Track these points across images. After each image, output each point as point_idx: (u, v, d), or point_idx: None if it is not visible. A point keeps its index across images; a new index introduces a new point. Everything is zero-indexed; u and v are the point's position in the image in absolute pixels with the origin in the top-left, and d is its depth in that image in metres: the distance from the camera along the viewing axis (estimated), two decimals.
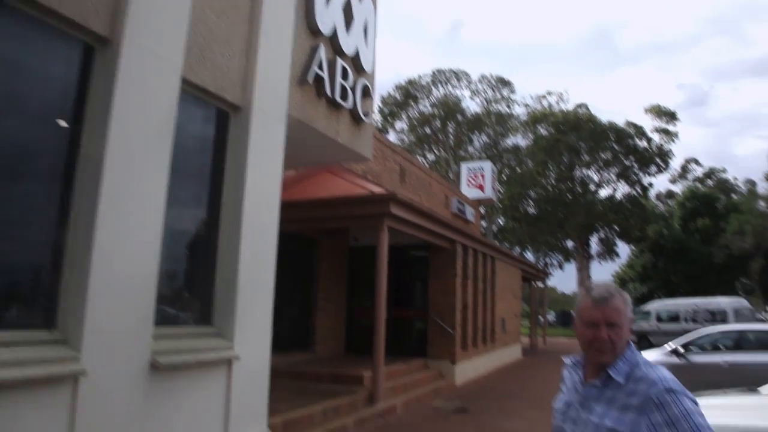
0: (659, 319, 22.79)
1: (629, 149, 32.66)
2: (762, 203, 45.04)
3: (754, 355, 10.00)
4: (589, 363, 1.92)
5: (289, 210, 8.62)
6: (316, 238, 11.05)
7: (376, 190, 8.59)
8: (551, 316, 38.46)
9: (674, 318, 22.19)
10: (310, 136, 7.02)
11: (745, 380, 8.61)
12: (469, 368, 12.19)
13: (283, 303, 10.55)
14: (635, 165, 33.72)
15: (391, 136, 38.13)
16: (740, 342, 10.62)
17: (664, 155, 33.90)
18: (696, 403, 1.70)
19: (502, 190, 31.83)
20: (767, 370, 9.29)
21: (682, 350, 10.70)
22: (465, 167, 22.02)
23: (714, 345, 10.97)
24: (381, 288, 8.18)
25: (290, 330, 10.69)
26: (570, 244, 35.00)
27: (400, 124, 39.57)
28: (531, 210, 33.86)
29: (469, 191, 20.93)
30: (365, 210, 8.11)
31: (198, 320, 5.14)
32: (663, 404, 1.67)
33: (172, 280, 5.15)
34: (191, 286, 5.33)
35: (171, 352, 4.42)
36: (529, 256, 34.98)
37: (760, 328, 11.90)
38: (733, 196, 49.07)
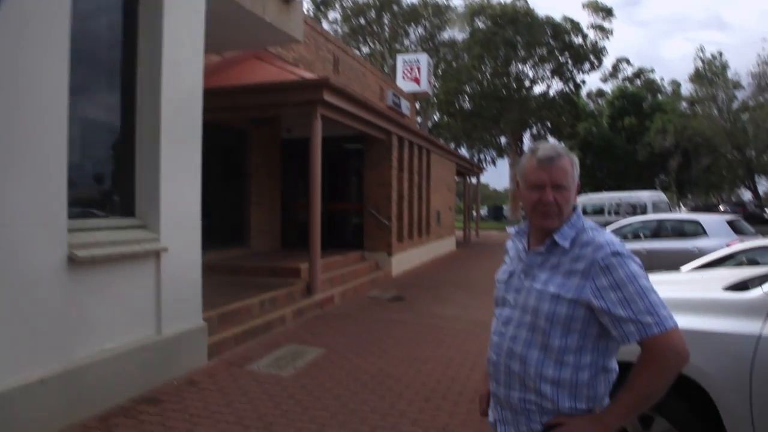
0: (585, 212, 23.84)
1: (565, 45, 32.54)
2: (684, 104, 46.88)
3: (670, 243, 10.64)
4: (534, 230, 1.80)
5: (215, 98, 8.03)
6: (246, 129, 10.50)
7: (308, 76, 8.09)
8: (484, 211, 39.70)
9: (599, 211, 23.32)
10: (234, 14, 6.41)
11: (662, 266, 9.17)
12: (405, 259, 12.40)
13: (215, 198, 10.17)
14: (570, 61, 33.79)
15: (324, 27, 36.26)
16: (658, 231, 11.26)
17: (598, 52, 34.10)
18: (641, 267, 1.62)
19: (437, 85, 31.34)
20: (680, 255, 9.93)
21: None
22: (400, 59, 21.32)
23: (635, 234, 11.60)
24: (315, 179, 7.93)
25: (224, 226, 10.38)
26: (504, 140, 35.46)
27: (333, 14, 37.63)
28: (466, 105, 33.73)
29: (404, 84, 20.42)
30: (297, 97, 7.64)
31: (120, 212, 4.78)
32: (609, 268, 1.57)
33: (86, 170, 4.71)
34: (109, 176, 4.92)
35: (90, 246, 4.10)
36: (464, 152, 35.29)
37: (676, 217, 12.66)
38: (659, 96, 50.71)
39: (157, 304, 4.77)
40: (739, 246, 6.85)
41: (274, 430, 3.81)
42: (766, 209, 35.69)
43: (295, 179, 11.65)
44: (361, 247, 11.49)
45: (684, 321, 3.15)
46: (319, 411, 4.16)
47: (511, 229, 1.94)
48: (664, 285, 4.14)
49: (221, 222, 10.31)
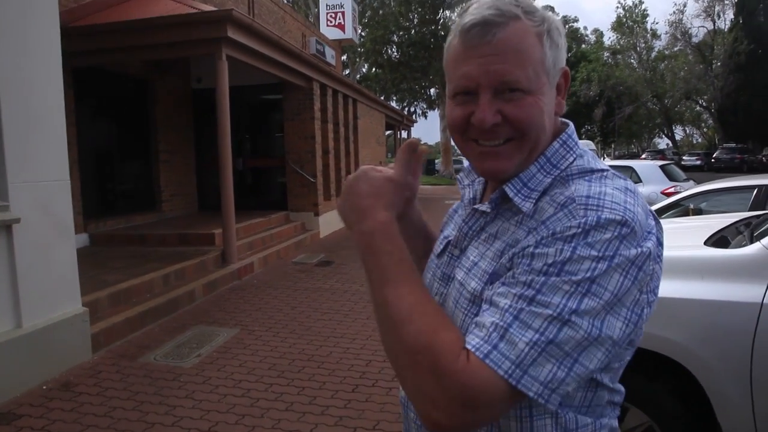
0: None
1: None
2: (607, 54, 47.65)
3: None
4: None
5: (97, 37, 6.80)
6: (148, 78, 9.23)
7: (208, 8, 6.95)
8: None
9: None
10: None
11: None
12: (334, 219, 11.50)
13: (115, 157, 8.95)
14: None
15: None
16: None
17: None
18: (640, 271, 0.76)
19: (364, 34, 30.01)
20: None
21: None
22: (324, 4, 19.93)
23: None
24: (224, 132, 6.93)
25: (128, 189, 9.21)
26: (433, 91, 34.76)
27: None
28: (394, 55, 32.64)
29: (328, 31, 19.15)
30: (196, 34, 6.51)
31: None
32: (565, 239, 0.75)
33: None
34: None
35: None
36: (394, 105, 34.38)
37: (609, 164, 12.47)
38: (583, 46, 51.29)
39: (12, 291, 3.79)
40: (684, 193, 6.47)
41: None
42: (683, 157, 37.11)
43: (209, 134, 10.49)
44: (286, 208, 10.58)
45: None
46: (223, 414, 3.38)
47: (464, 164, 1.09)
48: None
49: (124, 185, 9.14)
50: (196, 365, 4.18)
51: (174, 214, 9.85)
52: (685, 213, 6.05)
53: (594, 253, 0.73)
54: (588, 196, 0.78)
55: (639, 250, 0.76)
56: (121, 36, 6.75)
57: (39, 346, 3.90)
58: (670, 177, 10.21)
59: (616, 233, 0.74)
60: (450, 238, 1.02)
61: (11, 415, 3.38)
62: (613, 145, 55.04)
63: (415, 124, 28.82)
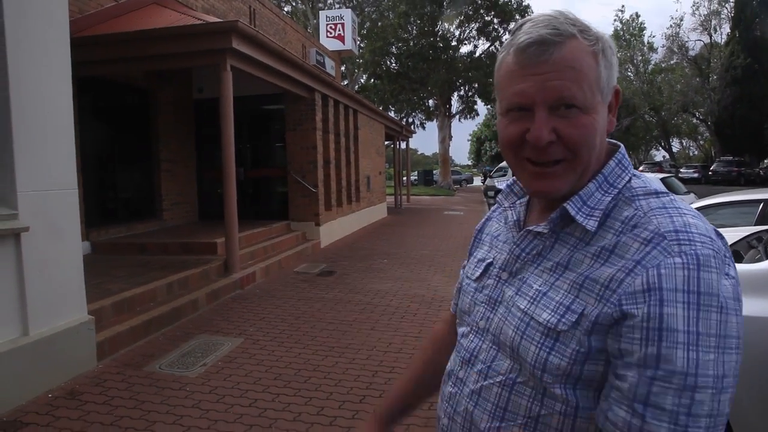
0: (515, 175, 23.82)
1: (491, 3, 32.03)
2: None
3: None
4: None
5: (104, 47, 6.85)
6: (151, 88, 9.26)
7: (213, 19, 6.99)
8: (414, 176, 39.39)
9: None
10: None
11: None
12: (335, 229, 11.62)
13: (117, 166, 8.96)
14: (495, 21, 33.40)
15: None
16: None
17: (524, 11, 33.79)
18: (738, 303, 0.76)
19: (363, 46, 30.15)
20: None
21: None
22: (323, 15, 20.05)
23: None
24: (228, 142, 6.94)
25: (130, 197, 9.23)
26: (432, 102, 34.90)
27: None
28: (393, 66, 32.77)
29: (328, 42, 19.26)
30: (201, 45, 6.54)
31: None
32: (660, 289, 0.73)
33: None
34: None
35: None
36: (393, 116, 34.48)
37: None
38: None
39: (20, 299, 3.78)
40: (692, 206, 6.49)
41: None
42: (680, 169, 37.28)
43: (211, 144, 10.52)
44: (287, 218, 10.60)
45: None
46: (231, 424, 3.37)
47: (501, 184, 1.06)
48: None
49: (126, 193, 9.17)
50: (202, 374, 4.17)
51: (175, 222, 9.86)
52: None
53: (730, 295, 0.74)
54: (676, 231, 0.77)
55: (734, 280, 0.77)
56: (125, 46, 6.78)
57: (45, 354, 3.90)
58: (671, 190, 10.18)
59: (717, 269, 0.74)
60: (489, 260, 1.02)
61: (17, 423, 3.37)
62: None
63: (413, 135, 28.91)
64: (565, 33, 0.83)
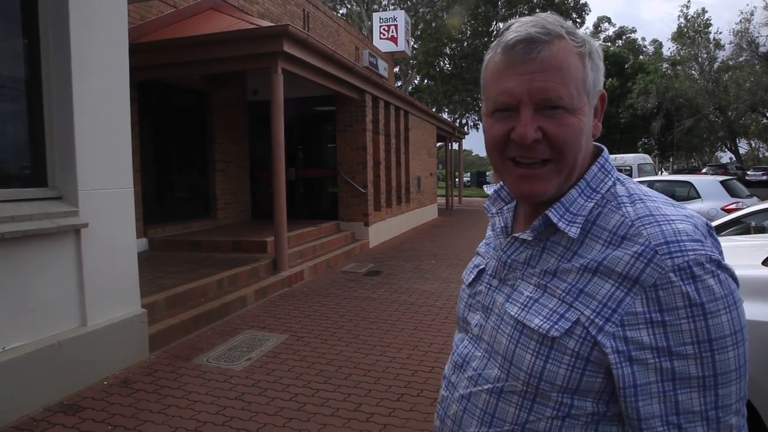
0: None
1: (547, 2, 31.46)
2: (666, 65, 46.18)
3: None
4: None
5: (162, 52, 7.14)
6: (207, 90, 9.59)
7: (266, 24, 7.18)
8: (467, 178, 39.11)
9: None
10: None
11: None
12: (384, 229, 11.69)
13: (174, 166, 9.33)
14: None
15: None
16: None
17: (581, 9, 33.07)
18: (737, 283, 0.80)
19: (416, 47, 30.21)
20: None
21: None
22: (377, 17, 20.21)
23: None
24: (278, 143, 7.12)
25: (186, 196, 9.58)
26: None
27: None
28: (447, 67, 32.67)
29: (381, 44, 19.40)
30: (253, 49, 6.74)
31: (27, 182, 3.97)
32: (668, 302, 0.76)
33: None
34: (11, 138, 4.07)
35: None
36: (446, 117, 34.36)
37: (667, 179, 12.00)
38: (641, 57, 49.92)
39: (79, 291, 4.01)
40: (746, 209, 6.22)
41: None
42: (747, 172, 35.51)
43: (264, 145, 10.80)
44: (337, 217, 10.75)
45: None
46: (271, 416, 3.47)
47: (489, 189, 1.08)
48: None
49: (182, 192, 9.51)
50: (246, 368, 4.30)
51: (228, 221, 10.17)
52: (747, 231, 5.82)
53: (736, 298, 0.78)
54: (667, 243, 0.78)
55: (728, 271, 0.79)
56: (182, 51, 7.06)
57: (101, 344, 4.11)
58: (732, 193, 9.81)
59: (712, 273, 0.76)
60: (482, 267, 1.03)
61: (76, 407, 3.58)
62: (671, 159, 53.18)
63: (466, 136, 28.73)
64: (553, 32, 0.84)
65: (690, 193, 10.04)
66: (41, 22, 3.89)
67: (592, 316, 0.80)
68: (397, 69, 31.53)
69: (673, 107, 41.27)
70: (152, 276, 6.05)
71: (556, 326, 0.82)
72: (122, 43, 4.39)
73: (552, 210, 0.87)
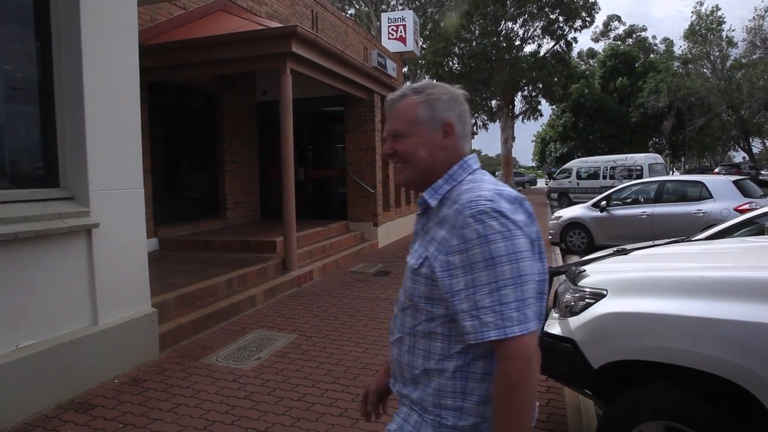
0: (579, 176, 23.18)
1: (556, 1, 31.28)
2: (677, 64, 45.77)
3: (672, 207, 9.93)
4: None
5: (172, 53, 7.19)
6: (216, 91, 9.65)
7: (275, 24, 7.21)
8: None
9: (593, 175, 22.60)
10: None
11: (664, 232, 8.50)
12: (393, 229, 11.70)
13: (184, 166, 9.38)
14: (561, 18, 32.60)
15: None
16: (659, 194, 10.47)
17: (590, 8, 32.80)
18: (522, 239, 1.22)
19: (425, 47, 30.17)
20: (684, 220, 9.28)
21: (604, 203, 10.58)
22: (385, 17, 20.20)
23: (635, 198, 10.86)
24: (287, 143, 7.15)
25: (196, 196, 9.63)
26: (495, 103, 34.50)
27: None
28: (455, 67, 32.58)
29: (390, 44, 19.39)
30: (262, 49, 6.77)
31: (40, 182, 4.01)
32: (464, 236, 1.22)
33: None
34: (23, 139, 4.12)
35: None
36: None
37: (678, 179, 11.85)
38: (652, 55, 49.54)
39: (90, 290, 4.05)
40: (760, 210, 6.14)
41: None
42: (761, 171, 35.13)
43: (273, 145, 10.83)
44: (346, 218, 10.77)
45: (722, 309, 2.45)
46: (280, 416, 3.49)
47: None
48: (687, 259, 3.46)
49: (192, 192, 9.57)
50: (256, 368, 4.32)
51: (238, 221, 10.22)
52: (760, 232, 5.76)
53: (509, 234, 1.21)
54: (470, 201, 1.24)
55: (505, 219, 1.23)
56: (192, 52, 7.11)
57: (112, 343, 4.15)
58: (745, 193, 9.68)
59: (493, 217, 1.21)
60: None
61: (87, 405, 3.62)
62: (683, 159, 52.76)
63: (475, 135, 28.65)
64: (406, 93, 1.41)
65: (702, 194, 9.91)
66: (53, 24, 3.93)
67: (434, 252, 1.28)
68: (405, 69, 31.54)
69: (684, 106, 40.86)
70: (162, 276, 6.09)
71: (416, 261, 1.35)
72: (133, 45, 4.43)
73: (426, 192, 1.39)
